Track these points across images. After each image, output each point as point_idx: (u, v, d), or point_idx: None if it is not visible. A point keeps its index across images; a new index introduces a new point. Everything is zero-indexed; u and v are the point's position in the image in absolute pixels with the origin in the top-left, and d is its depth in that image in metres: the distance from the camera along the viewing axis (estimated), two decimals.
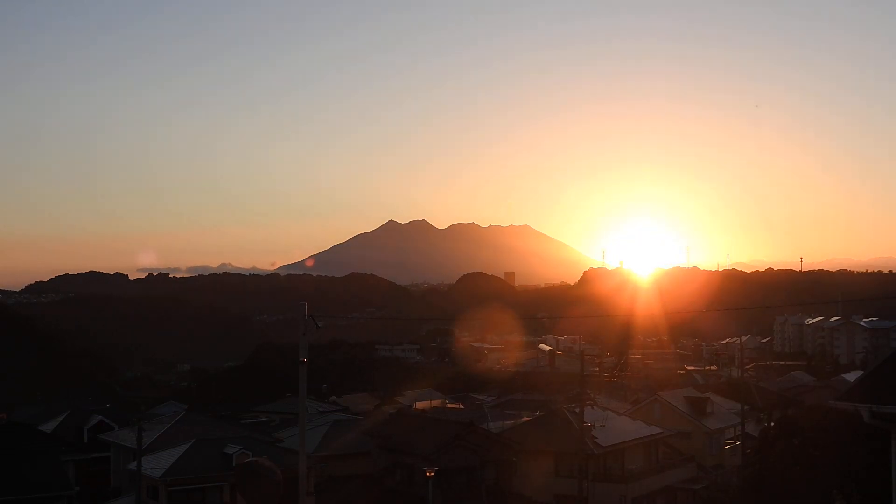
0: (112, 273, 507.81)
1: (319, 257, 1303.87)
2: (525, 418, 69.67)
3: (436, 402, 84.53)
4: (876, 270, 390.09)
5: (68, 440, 65.40)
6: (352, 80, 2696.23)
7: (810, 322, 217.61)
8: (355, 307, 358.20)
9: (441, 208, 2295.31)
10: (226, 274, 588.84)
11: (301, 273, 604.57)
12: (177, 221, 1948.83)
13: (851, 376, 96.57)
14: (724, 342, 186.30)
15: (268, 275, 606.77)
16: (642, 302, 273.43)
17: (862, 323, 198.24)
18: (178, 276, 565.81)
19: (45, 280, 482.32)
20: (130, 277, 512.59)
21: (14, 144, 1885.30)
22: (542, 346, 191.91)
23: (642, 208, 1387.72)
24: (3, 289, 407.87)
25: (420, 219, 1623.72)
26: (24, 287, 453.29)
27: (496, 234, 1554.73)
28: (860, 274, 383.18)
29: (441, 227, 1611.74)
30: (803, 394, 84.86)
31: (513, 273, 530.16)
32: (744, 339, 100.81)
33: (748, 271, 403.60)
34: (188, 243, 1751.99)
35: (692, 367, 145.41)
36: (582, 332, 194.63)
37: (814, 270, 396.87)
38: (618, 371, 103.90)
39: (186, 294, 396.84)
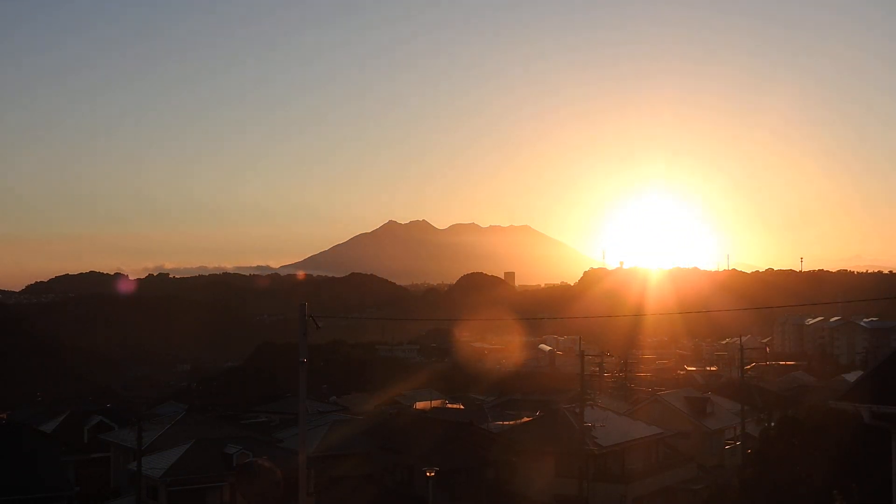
0: (112, 273, 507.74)
1: (319, 257, 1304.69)
2: (525, 418, 69.63)
3: (436, 402, 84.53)
4: (876, 270, 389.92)
5: (68, 440, 65.35)
6: (352, 81, 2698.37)
7: (810, 322, 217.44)
8: (355, 307, 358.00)
9: (441, 208, 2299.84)
10: (226, 274, 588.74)
11: (301, 273, 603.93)
12: (177, 221, 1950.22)
13: (851, 376, 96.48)
14: (724, 342, 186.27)
15: (268, 275, 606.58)
16: (642, 302, 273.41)
17: (862, 323, 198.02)
18: (178, 276, 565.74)
19: (45, 280, 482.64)
20: (130, 277, 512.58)
21: (14, 145, 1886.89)
22: (543, 346, 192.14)
23: (642, 209, 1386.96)
24: (3, 289, 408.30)
25: (420, 219, 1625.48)
26: (24, 287, 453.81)
27: (496, 234, 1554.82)
28: (860, 274, 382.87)
29: (441, 227, 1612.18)
30: (803, 394, 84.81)
31: (513, 273, 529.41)
32: (744, 339, 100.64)
33: (748, 272, 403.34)
34: (188, 243, 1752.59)
35: (692, 368, 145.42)
36: (582, 333, 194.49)
37: (814, 270, 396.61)
38: (619, 371, 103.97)
39: (186, 294, 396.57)
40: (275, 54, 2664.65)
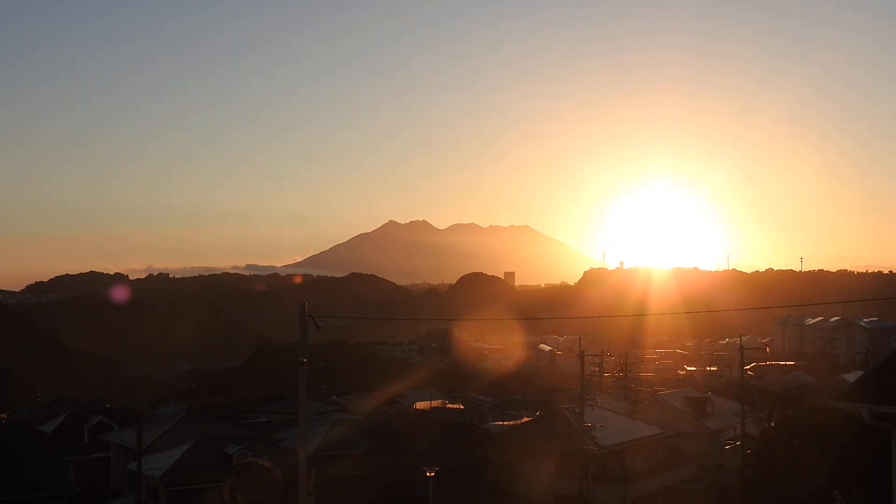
0: (112, 273, 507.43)
1: (320, 257, 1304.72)
2: (525, 418, 69.59)
3: (436, 402, 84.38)
4: (876, 270, 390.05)
5: (68, 440, 65.32)
6: (352, 81, 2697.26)
7: (810, 322, 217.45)
8: (355, 307, 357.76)
9: (441, 208, 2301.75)
10: (226, 274, 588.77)
11: (301, 273, 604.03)
12: (177, 221, 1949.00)
13: (851, 376, 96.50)
14: (724, 342, 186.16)
15: (268, 275, 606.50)
16: (642, 302, 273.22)
17: (862, 323, 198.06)
18: (177, 276, 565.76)
19: (45, 280, 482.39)
20: (130, 277, 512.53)
21: (15, 145, 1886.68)
22: (543, 346, 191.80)
23: (642, 209, 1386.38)
24: (3, 289, 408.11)
25: (420, 219, 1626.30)
26: (24, 287, 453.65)
27: (496, 234, 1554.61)
28: (860, 274, 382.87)
29: (441, 227, 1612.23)
30: (803, 394, 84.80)
31: (513, 273, 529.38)
32: (743, 339, 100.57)
33: (748, 272, 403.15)
34: (189, 243, 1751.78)
35: (692, 368, 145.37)
36: (582, 333, 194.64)
37: (814, 271, 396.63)
38: (619, 371, 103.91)
39: (186, 294, 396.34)
40: (274, 53, 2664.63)
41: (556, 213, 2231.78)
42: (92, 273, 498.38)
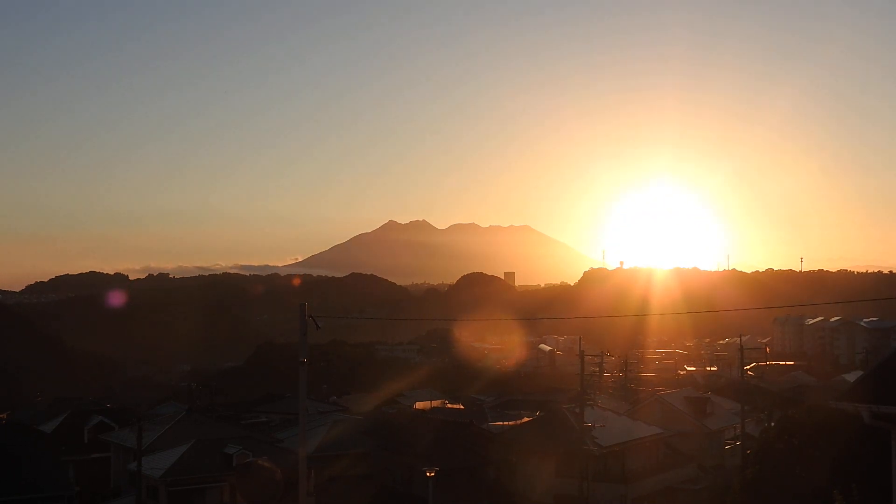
0: (112, 273, 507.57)
1: (320, 257, 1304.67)
2: (525, 418, 69.62)
3: (436, 402, 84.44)
4: (876, 270, 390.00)
5: (68, 440, 65.30)
6: (351, 80, 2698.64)
7: (810, 322, 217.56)
8: (355, 307, 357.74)
9: (441, 208, 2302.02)
10: (226, 274, 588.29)
11: (301, 273, 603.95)
12: (177, 222, 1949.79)
13: (851, 376, 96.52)
14: (724, 342, 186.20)
15: (268, 275, 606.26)
16: (642, 302, 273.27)
17: (862, 323, 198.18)
18: (177, 276, 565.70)
19: (45, 280, 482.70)
20: (130, 277, 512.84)
21: (14, 145, 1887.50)
22: (543, 346, 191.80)
23: (642, 209, 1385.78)
24: (3, 289, 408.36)
25: (420, 219, 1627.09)
26: (24, 287, 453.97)
27: (496, 234, 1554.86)
28: (860, 274, 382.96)
29: (441, 227, 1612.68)
30: (803, 394, 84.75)
31: (513, 273, 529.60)
32: (743, 339, 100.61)
33: (748, 272, 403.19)
34: (188, 244, 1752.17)
35: (692, 368, 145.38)
36: (582, 333, 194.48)
37: (814, 271, 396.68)
38: (619, 371, 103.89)
39: (186, 294, 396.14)
40: (273, 53, 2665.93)
41: (556, 213, 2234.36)
42: (91, 273, 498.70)
